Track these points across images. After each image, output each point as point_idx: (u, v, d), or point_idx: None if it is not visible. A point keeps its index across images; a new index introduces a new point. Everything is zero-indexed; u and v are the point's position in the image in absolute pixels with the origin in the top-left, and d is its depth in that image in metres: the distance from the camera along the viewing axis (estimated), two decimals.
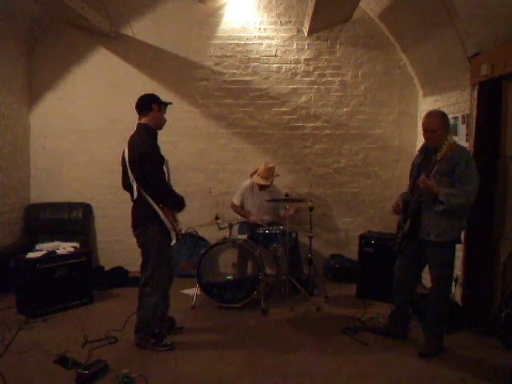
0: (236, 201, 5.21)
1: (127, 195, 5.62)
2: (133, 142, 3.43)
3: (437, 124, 3.31)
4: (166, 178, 3.50)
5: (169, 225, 3.41)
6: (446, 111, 4.61)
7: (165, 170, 3.49)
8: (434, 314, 3.50)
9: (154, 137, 3.52)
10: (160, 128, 3.60)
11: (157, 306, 3.51)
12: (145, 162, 3.34)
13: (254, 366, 3.28)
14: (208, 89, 5.59)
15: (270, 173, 5.07)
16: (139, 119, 3.55)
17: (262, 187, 5.10)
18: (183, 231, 5.46)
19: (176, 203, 3.49)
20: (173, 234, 3.45)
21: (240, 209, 5.19)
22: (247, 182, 5.22)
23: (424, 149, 3.50)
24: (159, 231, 3.42)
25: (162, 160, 3.47)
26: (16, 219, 5.38)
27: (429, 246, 3.38)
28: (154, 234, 3.43)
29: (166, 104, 3.62)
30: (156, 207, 3.38)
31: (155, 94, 3.66)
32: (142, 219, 3.47)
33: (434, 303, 3.49)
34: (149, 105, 3.50)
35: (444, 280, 3.45)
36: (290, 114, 5.61)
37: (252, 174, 5.19)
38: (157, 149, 3.47)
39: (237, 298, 4.38)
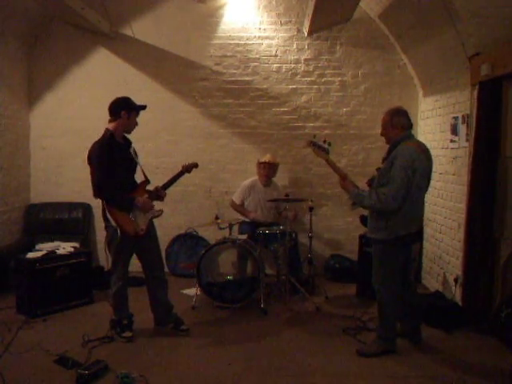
0: (236, 199, 5.21)
1: None
2: (92, 144, 3.54)
3: (383, 121, 3.41)
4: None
5: (112, 221, 3.47)
6: (445, 111, 4.66)
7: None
8: (378, 314, 3.52)
9: (108, 141, 3.51)
10: (129, 132, 3.68)
11: (115, 295, 3.68)
12: (90, 165, 3.50)
13: (254, 366, 3.27)
14: (208, 89, 5.59)
15: (273, 156, 5.20)
16: (108, 121, 3.60)
17: (266, 183, 5.15)
18: (183, 231, 5.47)
19: (113, 204, 3.50)
20: (118, 231, 3.49)
21: (240, 207, 5.19)
22: (248, 181, 5.23)
23: None
24: (111, 228, 3.53)
25: (106, 163, 3.44)
26: (16, 219, 5.38)
27: (372, 242, 3.49)
28: (109, 231, 3.57)
29: (137, 110, 3.62)
30: (104, 205, 3.50)
31: (128, 97, 3.64)
32: (103, 213, 3.58)
33: (378, 303, 3.51)
34: (117, 112, 3.54)
35: (378, 278, 3.42)
36: (290, 114, 5.62)
37: (258, 170, 5.22)
38: (103, 153, 3.44)
39: (237, 298, 4.37)
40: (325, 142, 3.52)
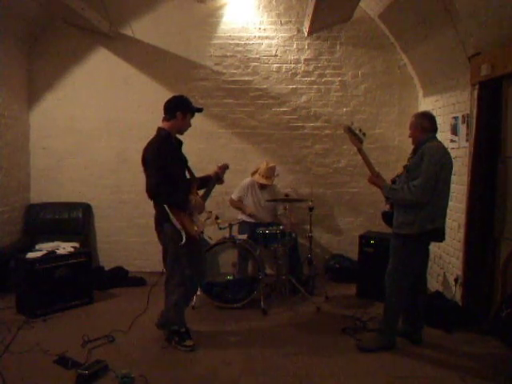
0: (234, 196, 5.20)
1: (127, 195, 5.67)
2: (146, 145, 3.44)
3: (410, 123, 3.58)
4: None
5: (177, 225, 3.35)
6: (445, 111, 4.66)
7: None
8: (384, 308, 3.56)
9: (166, 141, 3.43)
10: (181, 133, 3.60)
11: (176, 304, 3.49)
12: (146, 165, 3.38)
13: (254, 366, 3.27)
14: (208, 89, 5.59)
15: (271, 172, 5.07)
16: (162, 120, 3.52)
17: (262, 186, 5.10)
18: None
19: (173, 204, 3.36)
20: (182, 234, 3.35)
21: (237, 203, 5.18)
22: (247, 180, 5.21)
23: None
24: (174, 231, 3.37)
25: (164, 163, 3.33)
26: (16, 219, 5.38)
27: (392, 237, 3.54)
28: (169, 234, 3.40)
29: (193, 111, 3.58)
30: (166, 207, 3.34)
31: (185, 97, 3.59)
32: (159, 219, 3.46)
33: (386, 297, 3.53)
34: (173, 112, 3.47)
35: (392, 273, 3.47)
36: (290, 114, 5.61)
37: (253, 173, 5.19)
38: (162, 153, 3.34)
39: (237, 298, 4.38)
40: (360, 131, 3.61)
